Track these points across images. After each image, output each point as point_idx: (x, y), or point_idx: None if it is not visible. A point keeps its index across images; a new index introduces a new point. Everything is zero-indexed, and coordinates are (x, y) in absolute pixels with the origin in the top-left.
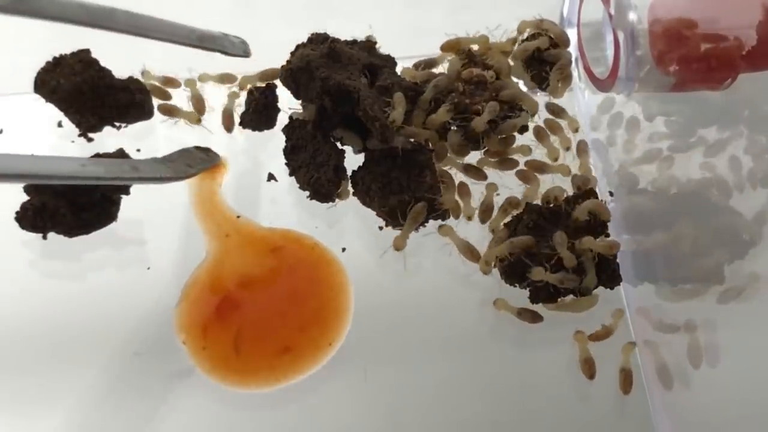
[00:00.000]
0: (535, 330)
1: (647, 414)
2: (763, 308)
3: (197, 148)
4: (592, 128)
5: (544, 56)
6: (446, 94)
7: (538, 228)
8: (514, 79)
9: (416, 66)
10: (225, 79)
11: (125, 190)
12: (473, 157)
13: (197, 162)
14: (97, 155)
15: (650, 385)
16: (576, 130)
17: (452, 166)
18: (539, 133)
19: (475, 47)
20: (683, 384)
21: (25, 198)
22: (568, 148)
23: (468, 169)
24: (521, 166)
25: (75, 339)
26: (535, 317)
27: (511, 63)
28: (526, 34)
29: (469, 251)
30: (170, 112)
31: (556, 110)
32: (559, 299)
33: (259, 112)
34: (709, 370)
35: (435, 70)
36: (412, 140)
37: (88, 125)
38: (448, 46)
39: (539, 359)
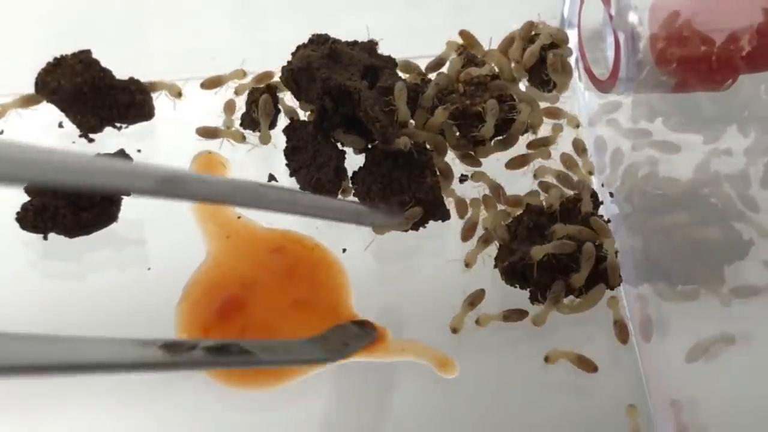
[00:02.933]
0: (535, 329)
1: (647, 413)
2: (763, 309)
3: (353, 323)
4: (591, 129)
5: (545, 55)
6: (447, 94)
7: (539, 228)
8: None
9: (425, 69)
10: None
11: (125, 191)
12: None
13: (354, 339)
14: (98, 156)
15: (650, 384)
16: (577, 126)
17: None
18: (567, 161)
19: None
20: (686, 385)
21: (26, 198)
22: (578, 125)
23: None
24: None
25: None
26: (522, 314)
27: (514, 69)
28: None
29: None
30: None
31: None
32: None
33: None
34: (710, 370)
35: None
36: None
37: (88, 126)
38: (465, 37)
39: (541, 358)
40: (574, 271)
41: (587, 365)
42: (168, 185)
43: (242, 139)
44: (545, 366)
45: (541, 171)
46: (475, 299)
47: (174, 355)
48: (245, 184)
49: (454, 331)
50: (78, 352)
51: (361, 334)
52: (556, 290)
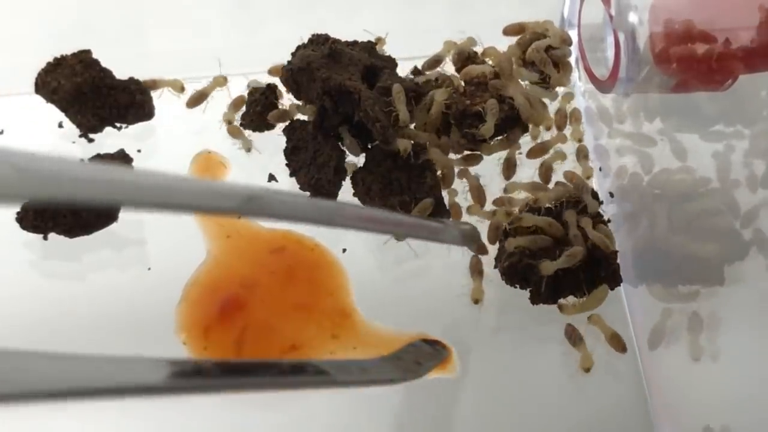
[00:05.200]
0: (537, 328)
1: (647, 412)
2: (763, 308)
3: (424, 341)
4: (591, 129)
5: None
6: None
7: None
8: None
9: (422, 67)
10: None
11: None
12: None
13: (427, 358)
14: (98, 156)
15: (650, 384)
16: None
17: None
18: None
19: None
20: (683, 384)
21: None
22: (580, 140)
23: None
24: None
25: (75, 339)
26: (481, 249)
27: (515, 65)
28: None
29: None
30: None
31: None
32: (559, 300)
33: (259, 113)
34: (709, 370)
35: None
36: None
37: (88, 126)
38: (490, 53)
39: (541, 358)
40: (574, 277)
41: (618, 344)
42: (251, 203)
43: (181, 89)
44: (543, 366)
45: (511, 187)
46: (477, 266)
47: (244, 377)
48: (325, 204)
49: (476, 301)
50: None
51: (433, 353)
52: (572, 252)
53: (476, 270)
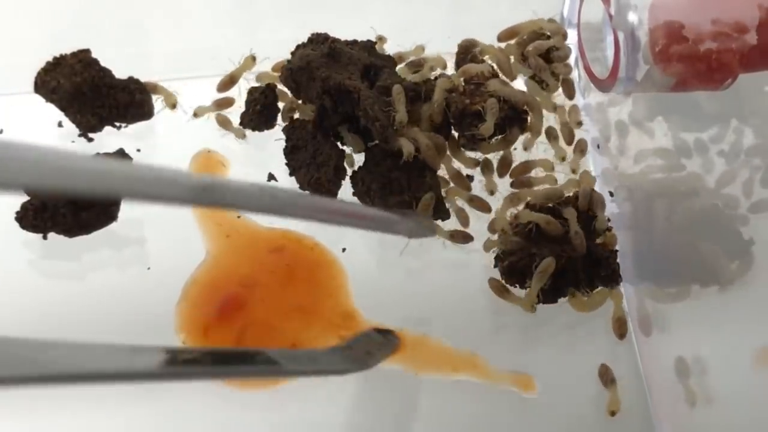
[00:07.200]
0: (537, 328)
1: (647, 415)
2: (762, 308)
3: (376, 330)
4: (590, 128)
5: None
6: (448, 93)
7: (535, 230)
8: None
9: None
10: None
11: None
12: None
13: (377, 347)
14: (98, 155)
15: (650, 382)
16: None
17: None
18: (549, 134)
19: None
20: (685, 381)
21: (26, 198)
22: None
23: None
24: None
25: (75, 339)
26: (467, 237)
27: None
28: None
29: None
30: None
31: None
32: (559, 299)
33: (259, 112)
34: (708, 371)
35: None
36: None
37: (88, 125)
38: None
39: (543, 357)
40: (573, 276)
41: (620, 328)
42: (204, 193)
43: (173, 107)
44: (542, 366)
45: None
46: (498, 285)
47: (188, 366)
48: (282, 192)
49: (533, 309)
50: (79, 360)
51: (384, 343)
52: (543, 268)
53: (501, 291)
